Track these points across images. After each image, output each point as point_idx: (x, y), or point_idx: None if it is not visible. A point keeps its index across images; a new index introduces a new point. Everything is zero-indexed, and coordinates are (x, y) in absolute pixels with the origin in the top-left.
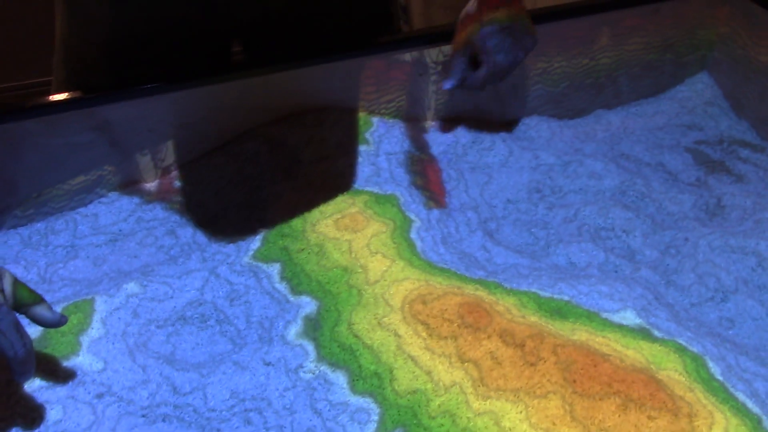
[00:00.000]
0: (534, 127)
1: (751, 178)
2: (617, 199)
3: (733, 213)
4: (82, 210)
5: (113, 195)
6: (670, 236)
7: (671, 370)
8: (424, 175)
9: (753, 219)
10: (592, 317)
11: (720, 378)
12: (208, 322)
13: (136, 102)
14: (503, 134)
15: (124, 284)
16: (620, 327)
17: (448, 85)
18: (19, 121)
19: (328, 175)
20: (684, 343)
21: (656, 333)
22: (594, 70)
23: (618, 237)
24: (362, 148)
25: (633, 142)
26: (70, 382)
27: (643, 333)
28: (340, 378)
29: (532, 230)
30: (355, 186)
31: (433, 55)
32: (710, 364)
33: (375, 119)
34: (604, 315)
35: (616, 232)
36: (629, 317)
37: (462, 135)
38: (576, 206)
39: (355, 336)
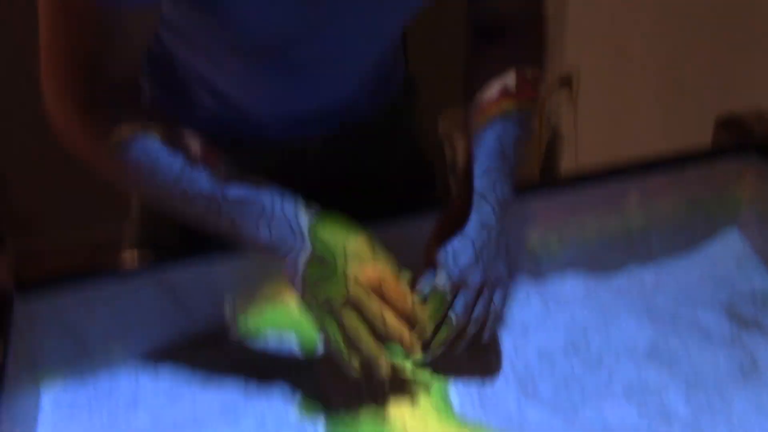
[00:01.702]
0: (568, 283)
1: None
2: (651, 356)
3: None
4: (144, 363)
5: (173, 350)
6: (704, 395)
7: None
8: None
9: None
10: None
11: None
12: None
13: (200, 267)
14: (537, 290)
15: None
16: None
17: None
18: (95, 282)
19: None
20: None
21: None
22: (625, 228)
23: (651, 395)
24: None
25: (666, 298)
26: None
27: None
28: None
29: (567, 386)
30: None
31: None
32: None
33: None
34: None
35: (650, 390)
36: None
37: None
38: (610, 364)
39: None
